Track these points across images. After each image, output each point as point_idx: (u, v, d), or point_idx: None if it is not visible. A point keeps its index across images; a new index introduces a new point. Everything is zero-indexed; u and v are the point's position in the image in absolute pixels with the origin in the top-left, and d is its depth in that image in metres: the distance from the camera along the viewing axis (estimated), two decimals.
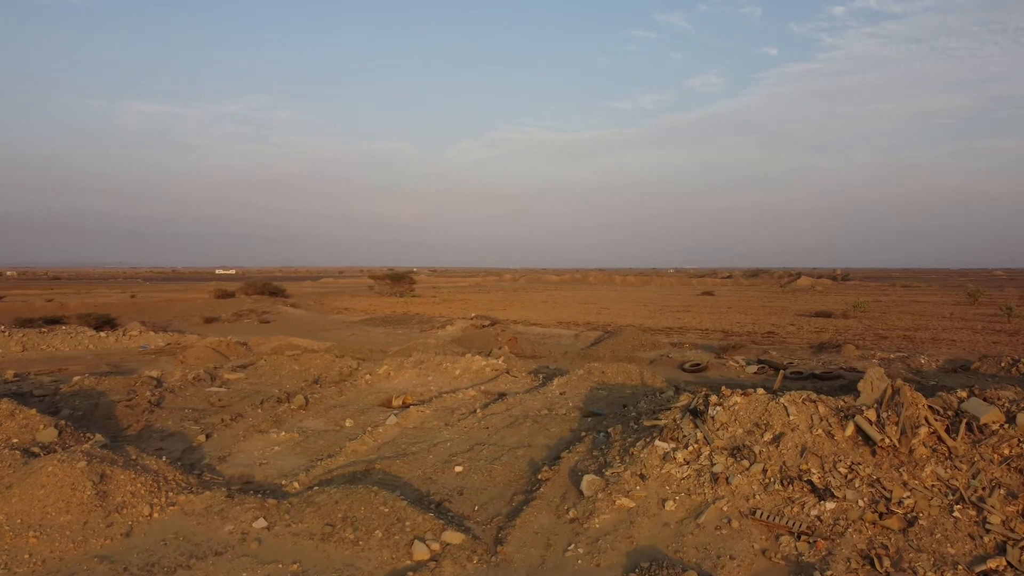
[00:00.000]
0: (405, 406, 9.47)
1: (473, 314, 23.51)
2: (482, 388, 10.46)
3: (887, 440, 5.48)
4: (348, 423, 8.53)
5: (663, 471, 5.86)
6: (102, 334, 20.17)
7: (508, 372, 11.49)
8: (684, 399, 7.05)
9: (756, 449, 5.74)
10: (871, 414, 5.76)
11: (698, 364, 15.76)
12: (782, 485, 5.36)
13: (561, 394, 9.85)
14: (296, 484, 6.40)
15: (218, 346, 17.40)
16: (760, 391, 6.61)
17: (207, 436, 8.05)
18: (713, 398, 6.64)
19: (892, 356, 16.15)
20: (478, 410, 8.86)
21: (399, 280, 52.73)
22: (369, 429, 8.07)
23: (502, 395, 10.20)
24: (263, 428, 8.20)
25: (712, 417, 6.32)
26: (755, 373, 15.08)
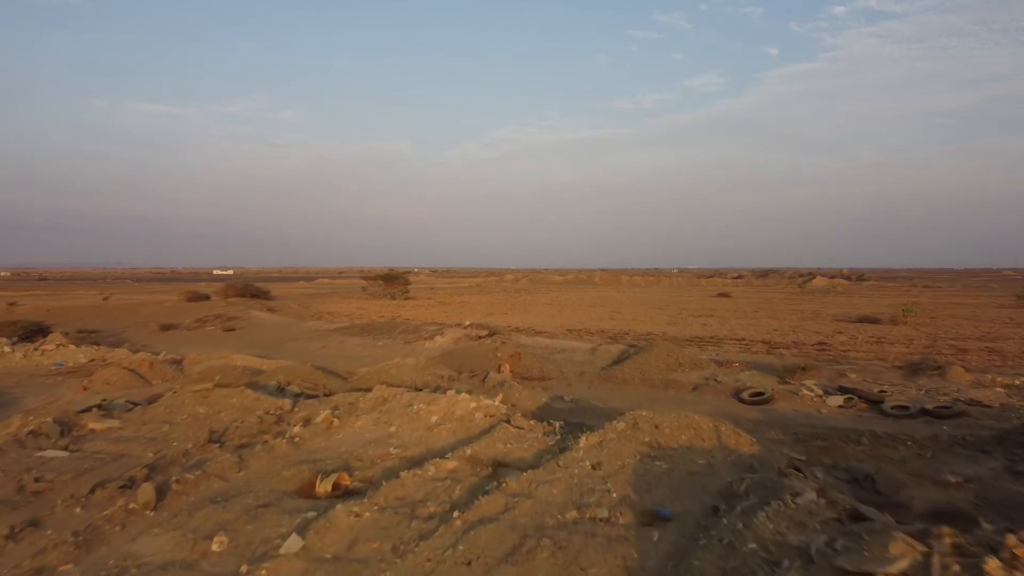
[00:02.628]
0: (336, 494, 5.67)
1: (468, 321, 19.69)
2: (468, 453, 6.64)
3: None
4: (218, 545, 4.69)
5: None
6: (7, 349, 16.39)
7: (509, 421, 7.65)
8: (898, 547, 3.19)
9: None
10: None
11: (760, 393, 11.92)
12: None
13: (594, 468, 6.03)
14: None
15: (139, 366, 13.61)
16: None
17: None
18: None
19: (1017, 382, 12.29)
20: (457, 514, 5.05)
21: (392, 281, 48.85)
22: (246, 570, 4.26)
23: (499, 468, 6.38)
24: (48, 565, 4.38)
25: None
26: (840, 407, 11.23)
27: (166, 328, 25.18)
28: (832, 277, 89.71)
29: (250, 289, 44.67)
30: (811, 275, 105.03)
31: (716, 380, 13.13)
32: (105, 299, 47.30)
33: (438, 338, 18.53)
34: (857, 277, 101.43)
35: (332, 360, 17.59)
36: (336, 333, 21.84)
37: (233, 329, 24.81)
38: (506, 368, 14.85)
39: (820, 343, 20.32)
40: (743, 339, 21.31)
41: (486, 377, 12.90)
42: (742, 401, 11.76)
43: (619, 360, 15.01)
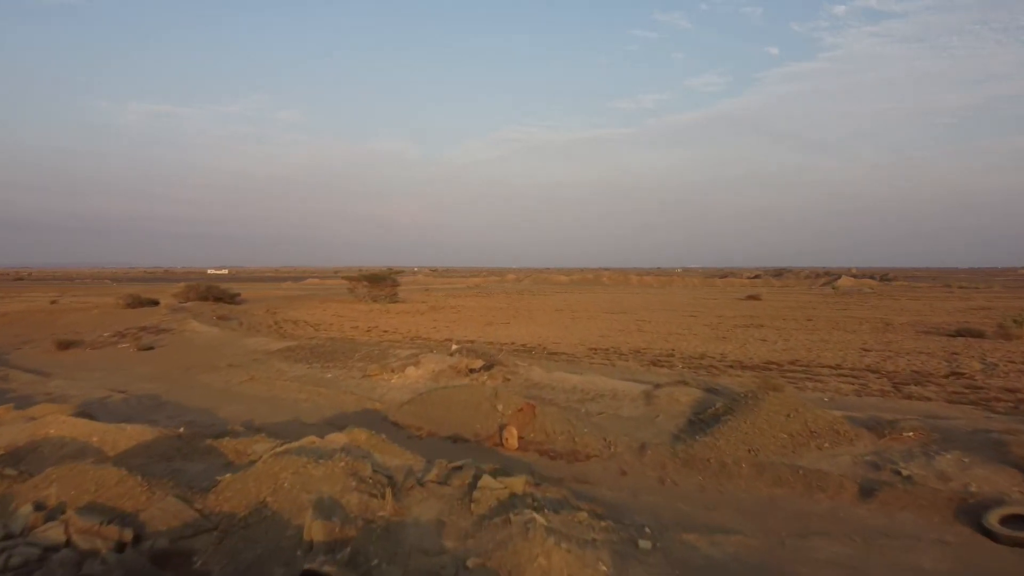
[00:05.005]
0: None
1: (455, 345, 13.68)
2: None
3: None
4: None
5: None
6: None
7: None
8: None
9: None
10: None
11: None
12: None
13: None
14: None
15: None
16: None
17: None
18: None
19: None
20: None
21: (378, 282, 42.82)
22: None
23: None
24: None
25: None
26: None
27: (65, 346, 19.27)
28: (858, 277, 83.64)
29: (212, 292, 38.65)
30: (831, 274, 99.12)
31: (898, 472, 7.17)
32: (53, 303, 41.39)
33: (411, 370, 12.65)
34: (881, 276, 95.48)
35: (244, 407, 11.68)
36: (277, 356, 15.91)
37: (151, 348, 18.89)
38: (512, 434, 8.92)
39: (953, 374, 14.37)
40: (838, 366, 15.36)
41: (487, 441, 6.94)
42: (993, 537, 5.83)
43: (700, 420, 9.04)
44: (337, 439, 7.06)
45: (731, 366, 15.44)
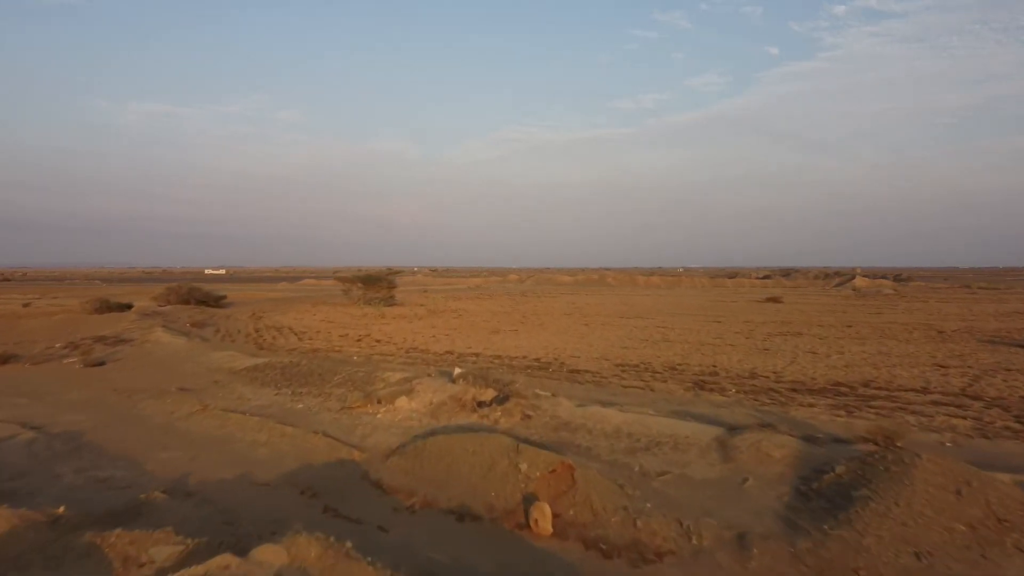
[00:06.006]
0: None
1: (458, 369, 10.83)
2: None
3: None
4: None
5: None
6: None
7: None
8: None
9: None
10: None
11: None
12: None
13: None
14: None
15: None
16: None
17: None
18: None
19: None
20: None
21: (373, 284, 40.01)
22: None
23: None
24: None
25: None
26: None
27: (3, 361, 16.50)
28: (871, 277, 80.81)
29: (195, 294, 35.88)
30: (840, 275, 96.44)
31: None
32: (25, 305, 38.62)
33: (403, 401, 9.91)
34: (894, 276, 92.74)
35: (184, 453, 8.93)
36: (242, 378, 13.14)
37: (101, 363, 16.13)
38: (544, 513, 6.16)
39: None
40: (924, 390, 12.57)
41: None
42: None
43: (815, 492, 6.31)
44: (270, 559, 4.29)
45: (793, 389, 12.68)
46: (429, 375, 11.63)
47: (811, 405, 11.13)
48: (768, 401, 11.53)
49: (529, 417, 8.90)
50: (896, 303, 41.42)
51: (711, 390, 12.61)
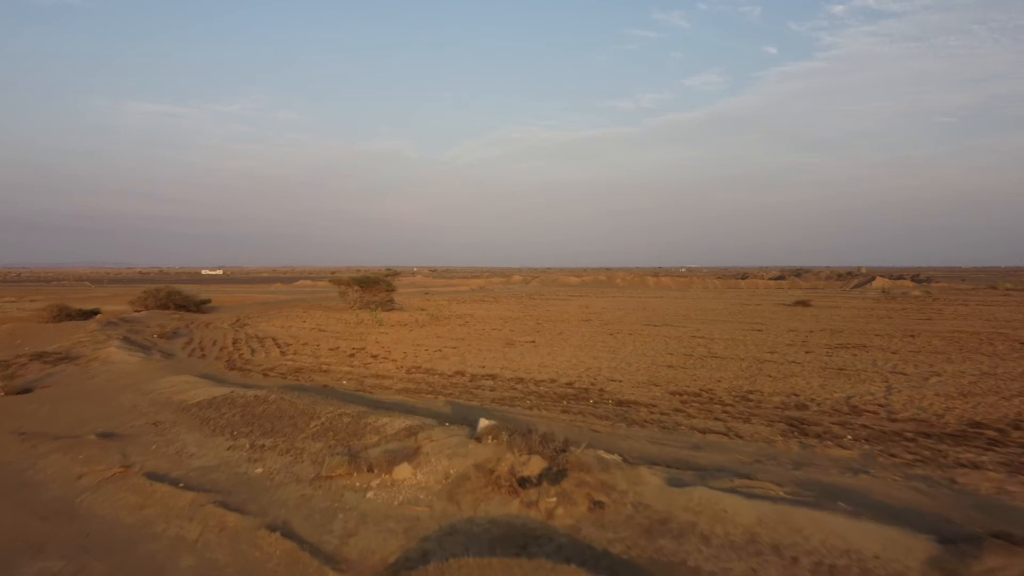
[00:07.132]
0: None
1: (484, 421, 7.77)
2: None
3: None
4: None
5: None
6: None
7: None
8: None
9: None
10: None
11: None
12: None
13: None
14: None
15: None
16: None
17: None
18: None
19: None
20: None
21: (370, 286, 36.81)
22: None
23: None
24: None
25: None
26: None
27: None
28: (894, 278, 77.64)
29: (174, 298, 32.70)
30: (853, 275, 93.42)
31: None
32: None
33: (404, 470, 6.74)
34: (912, 277, 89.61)
35: (69, 564, 5.72)
36: (190, 418, 9.96)
37: (27, 391, 12.93)
38: None
39: None
40: None
41: None
42: None
43: None
44: None
45: (924, 434, 9.49)
46: (440, 423, 8.40)
47: (976, 466, 7.94)
48: (910, 457, 8.33)
49: (601, 508, 5.70)
50: (935, 307, 38.22)
51: (818, 436, 9.41)
